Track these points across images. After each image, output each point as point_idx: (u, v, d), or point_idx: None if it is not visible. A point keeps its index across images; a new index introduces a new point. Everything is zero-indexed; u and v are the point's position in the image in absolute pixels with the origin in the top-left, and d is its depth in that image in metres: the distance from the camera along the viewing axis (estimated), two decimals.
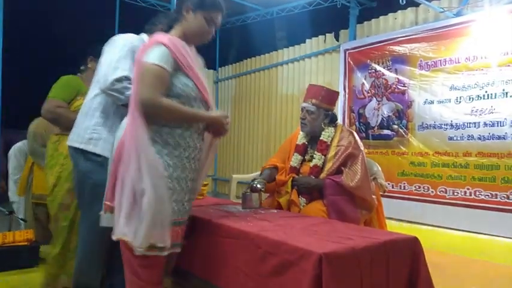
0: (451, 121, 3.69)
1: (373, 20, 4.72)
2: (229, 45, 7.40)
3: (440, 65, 3.81)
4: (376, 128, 4.35)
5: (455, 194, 3.63)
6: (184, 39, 1.58)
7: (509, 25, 3.38)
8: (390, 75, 4.23)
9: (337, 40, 5.08)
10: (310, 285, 1.19)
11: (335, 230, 1.59)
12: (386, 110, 4.25)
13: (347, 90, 4.67)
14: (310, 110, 2.30)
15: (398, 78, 4.15)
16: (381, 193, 2.47)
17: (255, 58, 6.45)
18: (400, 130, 4.11)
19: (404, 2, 3.84)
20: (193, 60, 1.58)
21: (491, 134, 3.43)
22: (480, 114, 3.51)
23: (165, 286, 1.73)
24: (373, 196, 2.20)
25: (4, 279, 2.48)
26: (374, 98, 4.39)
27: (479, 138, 3.50)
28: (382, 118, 4.29)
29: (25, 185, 3.28)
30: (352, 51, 4.67)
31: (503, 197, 3.33)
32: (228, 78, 6.94)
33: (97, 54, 2.08)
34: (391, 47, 4.23)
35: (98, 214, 1.57)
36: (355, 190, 2.09)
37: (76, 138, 1.83)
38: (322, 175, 2.21)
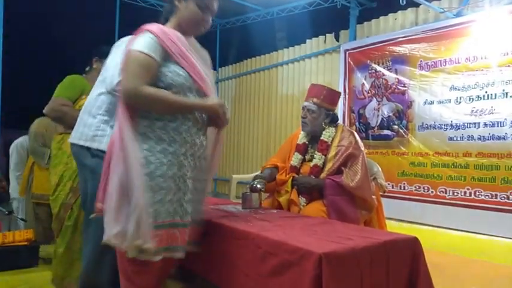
0: (451, 121, 3.69)
1: (373, 20, 4.72)
2: (229, 46, 7.40)
3: (441, 66, 3.81)
4: (376, 128, 4.36)
5: (455, 194, 3.63)
6: (180, 30, 1.52)
7: (509, 25, 3.38)
8: (390, 76, 4.23)
9: (337, 40, 5.08)
10: (310, 285, 1.18)
11: (335, 230, 1.58)
12: (386, 110, 4.26)
13: (347, 91, 4.67)
14: (311, 109, 2.30)
15: (398, 79, 4.15)
16: (381, 193, 2.48)
17: (255, 58, 6.45)
18: (400, 130, 4.11)
19: (405, 3, 3.84)
20: (189, 49, 1.50)
21: (491, 135, 3.43)
22: (480, 115, 3.51)
23: None
24: (373, 196, 2.20)
25: (4, 279, 2.48)
26: (374, 98, 4.39)
27: (479, 139, 3.50)
28: (382, 118, 4.29)
29: (26, 185, 3.29)
30: (352, 51, 4.67)
31: (503, 197, 3.33)
32: (228, 79, 6.95)
33: (102, 55, 2.08)
34: (391, 47, 4.23)
35: None
36: (355, 190, 2.09)
37: (80, 136, 1.83)
38: (323, 175, 2.21)
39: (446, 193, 3.70)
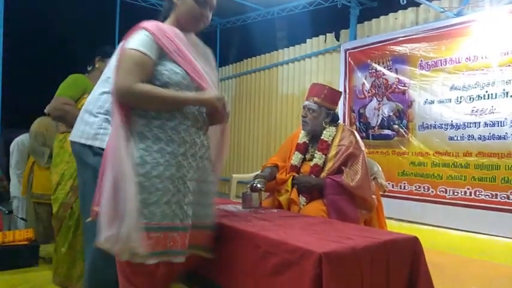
0: (452, 121, 3.69)
1: (373, 19, 4.72)
2: (229, 45, 7.39)
3: (441, 65, 3.81)
4: (376, 127, 4.35)
5: (456, 194, 3.63)
6: (179, 27, 1.48)
7: (509, 25, 3.37)
8: (391, 75, 4.23)
9: (338, 40, 5.08)
10: (310, 284, 1.18)
11: (335, 230, 1.58)
12: (386, 110, 4.25)
13: (347, 90, 4.67)
14: (311, 108, 2.30)
15: (398, 78, 4.15)
16: (381, 193, 2.47)
17: (255, 58, 6.45)
18: (401, 130, 4.10)
19: (405, 2, 3.84)
20: (188, 46, 1.45)
21: (491, 134, 3.43)
22: (480, 114, 3.51)
23: None
24: (373, 196, 2.20)
25: (4, 278, 2.48)
26: (374, 98, 4.39)
27: (480, 138, 3.50)
28: (383, 118, 4.29)
29: (27, 184, 3.29)
30: (352, 51, 4.67)
31: (504, 197, 3.33)
32: (228, 78, 6.95)
33: (104, 55, 2.07)
34: (391, 47, 4.23)
35: None
36: (355, 190, 2.09)
37: (81, 134, 1.82)
38: (323, 174, 2.21)
39: (446, 193, 3.70)
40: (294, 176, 2.26)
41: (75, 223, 2.13)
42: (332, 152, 2.24)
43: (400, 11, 4.40)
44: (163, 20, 1.53)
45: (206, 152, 1.49)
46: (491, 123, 3.44)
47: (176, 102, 1.38)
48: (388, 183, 3.81)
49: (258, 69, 6.32)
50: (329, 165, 2.21)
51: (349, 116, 4.65)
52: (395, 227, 3.50)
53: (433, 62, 3.87)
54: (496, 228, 3.33)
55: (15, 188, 3.61)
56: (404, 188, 4.03)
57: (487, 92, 3.48)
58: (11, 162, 3.68)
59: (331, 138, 2.27)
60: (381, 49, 4.33)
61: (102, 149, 1.74)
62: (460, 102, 3.65)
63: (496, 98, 3.43)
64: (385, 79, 4.27)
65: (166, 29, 1.42)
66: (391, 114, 4.21)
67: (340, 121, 2.55)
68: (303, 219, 1.79)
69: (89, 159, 1.79)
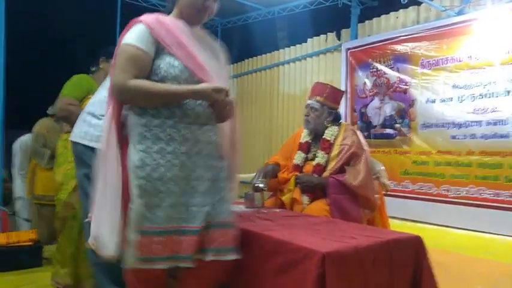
0: (454, 120, 3.69)
1: (374, 19, 4.72)
2: (230, 45, 7.37)
3: (442, 64, 3.81)
4: (378, 127, 4.35)
5: (458, 192, 3.63)
6: (182, 20, 1.42)
7: (511, 23, 3.37)
8: (392, 74, 4.22)
9: (339, 39, 5.08)
10: (314, 284, 1.18)
11: (338, 229, 1.58)
12: (388, 109, 4.25)
13: (349, 90, 4.66)
14: (314, 107, 2.30)
15: (400, 77, 4.14)
16: (384, 192, 2.47)
17: (256, 58, 6.45)
18: (403, 129, 4.10)
19: (406, 1, 3.83)
20: (191, 39, 1.38)
21: (494, 133, 3.42)
22: (483, 113, 3.50)
23: None
24: (376, 195, 2.20)
25: (9, 279, 2.49)
26: (376, 97, 4.39)
27: (482, 137, 3.49)
28: (384, 117, 4.28)
29: (30, 185, 3.30)
30: (353, 50, 4.67)
31: (507, 195, 3.32)
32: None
33: (109, 55, 2.07)
34: (392, 46, 4.22)
35: None
36: (357, 189, 2.09)
37: (84, 135, 1.82)
38: (325, 174, 2.21)
39: (449, 192, 3.69)
40: (296, 175, 2.26)
41: (79, 223, 2.13)
42: (334, 152, 2.24)
43: (401, 10, 4.39)
44: (168, 14, 1.48)
45: (213, 148, 1.40)
46: (493, 121, 3.43)
47: (170, 95, 1.31)
48: (391, 183, 3.80)
49: (259, 69, 6.32)
50: (331, 164, 2.21)
51: (351, 115, 4.64)
52: (398, 226, 3.49)
53: (434, 61, 3.87)
54: (499, 226, 3.32)
55: (19, 188, 3.61)
56: (407, 187, 4.02)
57: (489, 90, 3.48)
58: (15, 163, 3.69)
59: (333, 137, 2.27)
60: (382, 48, 4.33)
61: None
62: (462, 101, 3.65)
63: (498, 96, 3.42)
64: (387, 78, 4.27)
65: (167, 21, 1.37)
66: (393, 113, 4.20)
67: (343, 120, 2.55)
68: (306, 219, 1.79)
69: (91, 160, 1.79)
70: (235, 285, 1.50)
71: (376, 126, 4.37)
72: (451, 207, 3.65)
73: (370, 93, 4.45)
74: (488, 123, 3.46)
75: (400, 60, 4.15)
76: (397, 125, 4.15)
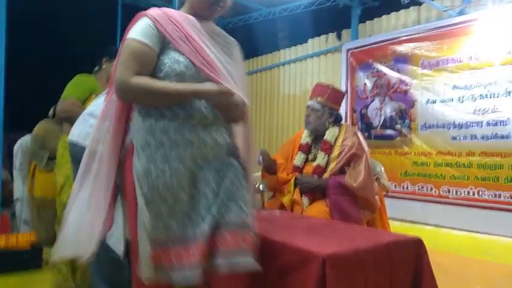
0: (454, 121, 3.68)
1: (375, 19, 4.71)
2: None
3: (443, 64, 3.80)
4: (378, 128, 4.34)
5: (459, 193, 3.62)
6: (194, 14, 1.33)
7: None
8: (392, 75, 4.21)
9: (340, 40, 5.07)
10: (314, 287, 1.18)
11: (338, 231, 1.58)
12: (388, 109, 4.24)
13: (349, 90, 4.66)
14: (315, 108, 2.30)
15: (400, 78, 4.14)
16: (384, 194, 2.47)
17: (256, 58, 6.45)
18: (403, 130, 4.09)
19: (407, 1, 3.83)
20: (201, 34, 1.30)
21: (494, 134, 3.42)
22: (483, 114, 3.49)
23: None
24: (376, 197, 2.19)
25: (8, 281, 2.49)
26: (376, 98, 4.38)
27: (483, 138, 3.48)
28: (385, 118, 4.28)
29: (31, 186, 3.30)
30: (354, 50, 4.66)
31: (507, 196, 3.31)
32: None
33: (112, 56, 2.06)
34: (393, 46, 4.21)
35: None
36: (358, 190, 2.08)
37: (85, 137, 1.79)
38: (325, 175, 2.20)
39: (449, 193, 3.69)
40: (296, 176, 2.26)
41: None
42: (335, 153, 2.23)
43: (401, 10, 4.39)
44: (179, 9, 1.40)
45: (222, 150, 1.29)
46: (494, 122, 3.42)
47: (172, 94, 1.22)
48: (391, 184, 3.80)
49: (259, 70, 6.32)
50: (332, 165, 2.21)
51: (351, 116, 4.64)
52: (398, 228, 3.49)
53: (435, 62, 3.86)
54: (499, 228, 3.32)
55: (19, 190, 3.61)
56: (407, 188, 4.02)
57: (489, 91, 3.47)
58: (15, 164, 3.69)
59: (334, 138, 2.27)
60: (382, 49, 4.32)
61: None
62: (463, 101, 3.64)
63: (498, 97, 3.41)
64: (387, 79, 4.26)
65: (174, 14, 1.29)
66: (394, 114, 4.20)
67: (343, 121, 2.54)
68: (306, 221, 1.79)
69: None
70: None
71: (376, 127, 4.37)
72: (451, 208, 3.65)
73: (371, 94, 4.45)
74: (489, 124, 3.45)
75: (401, 60, 4.14)
76: (398, 126, 4.15)
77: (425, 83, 3.93)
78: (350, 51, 4.70)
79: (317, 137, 2.35)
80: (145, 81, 1.22)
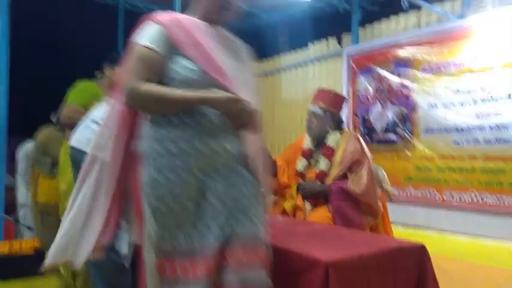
0: (456, 125, 3.67)
1: (375, 24, 4.72)
2: None
3: (444, 68, 3.80)
4: (380, 132, 4.34)
5: (462, 198, 3.61)
6: (204, 19, 1.30)
7: None
8: (394, 79, 4.22)
9: (340, 44, 5.08)
10: None
11: (341, 237, 1.58)
12: (390, 114, 4.24)
13: (351, 95, 4.66)
14: (317, 113, 2.30)
15: (402, 82, 4.14)
16: (388, 200, 2.46)
17: (257, 63, 6.46)
18: (405, 134, 4.09)
19: (407, 6, 3.84)
20: (211, 39, 1.26)
21: (496, 138, 3.41)
22: (485, 118, 3.49)
23: None
24: (379, 202, 2.19)
25: (11, 287, 2.49)
26: (378, 103, 4.38)
27: (485, 142, 3.47)
28: (387, 122, 4.27)
29: (34, 193, 3.30)
30: (355, 55, 4.67)
31: (510, 201, 3.30)
32: None
33: (114, 62, 2.06)
34: (394, 50, 4.22)
35: None
36: (360, 196, 2.08)
37: (87, 142, 1.78)
38: (328, 180, 2.20)
39: (452, 197, 3.67)
40: (299, 183, 2.26)
41: None
42: (337, 158, 2.23)
43: (401, 15, 4.40)
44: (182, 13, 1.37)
45: (232, 158, 1.25)
46: (496, 126, 3.41)
47: (180, 102, 1.19)
48: (394, 189, 3.79)
49: (260, 75, 6.33)
50: (334, 171, 2.21)
51: (353, 121, 4.64)
52: (402, 233, 3.47)
53: (435, 66, 3.86)
54: (503, 232, 3.30)
55: (22, 196, 3.62)
56: (409, 193, 4.01)
57: (491, 94, 3.46)
58: (19, 170, 3.69)
59: (335, 143, 2.27)
60: (383, 53, 4.33)
61: None
62: (464, 105, 3.64)
63: (500, 100, 3.41)
64: (388, 83, 4.27)
65: (183, 19, 1.26)
66: (395, 118, 4.20)
67: (345, 126, 2.54)
68: (309, 227, 1.79)
69: None
70: None
71: (378, 131, 4.37)
72: (454, 213, 3.63)
73: (372, 99, 4.45)
74: (491, 128, 3.44)
75: (402, 65, 4.15)
76: (400, 131, 4.15)
77: (426, 87, 3.93)
78: (351, 56, 4.71)
79: (319, 142, 2.35)
80: (155, 88, 1.19)
